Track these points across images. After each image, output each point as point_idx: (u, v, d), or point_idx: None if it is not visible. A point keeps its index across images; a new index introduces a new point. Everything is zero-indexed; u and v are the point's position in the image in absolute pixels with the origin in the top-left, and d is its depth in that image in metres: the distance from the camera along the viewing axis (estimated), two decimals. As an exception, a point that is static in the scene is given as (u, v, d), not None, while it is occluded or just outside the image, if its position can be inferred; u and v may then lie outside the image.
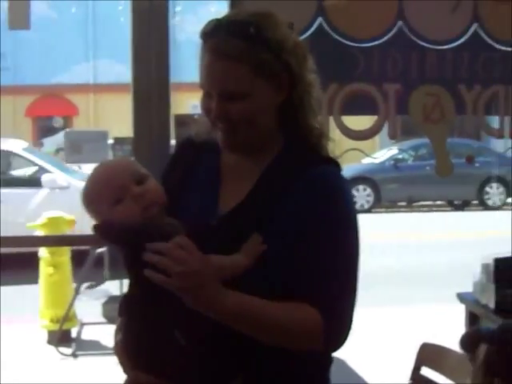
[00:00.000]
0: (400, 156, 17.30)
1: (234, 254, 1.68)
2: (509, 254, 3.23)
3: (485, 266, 3.17)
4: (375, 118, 3.26)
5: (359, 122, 3.46)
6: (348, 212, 1.80)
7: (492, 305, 3.10)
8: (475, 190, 17.58)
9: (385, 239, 12.26)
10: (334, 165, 1.83)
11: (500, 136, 3.41)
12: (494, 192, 17.90)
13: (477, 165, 17.11)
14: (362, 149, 3.33)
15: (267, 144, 1.83)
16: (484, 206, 17.67)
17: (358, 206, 16.51)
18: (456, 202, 18.03)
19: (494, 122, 3.48)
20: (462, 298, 3.40)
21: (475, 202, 17.89)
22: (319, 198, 1.75)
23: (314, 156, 1.81)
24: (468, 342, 2.57)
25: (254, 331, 1.67)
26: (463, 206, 17.96)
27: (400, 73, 3.30)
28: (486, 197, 17.86)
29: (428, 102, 3.28)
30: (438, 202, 17.83)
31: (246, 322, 1.66)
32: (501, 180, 17.78)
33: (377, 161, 16.08)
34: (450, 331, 4.36)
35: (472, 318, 3.35)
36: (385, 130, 3.26)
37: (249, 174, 1.81)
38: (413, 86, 3.29)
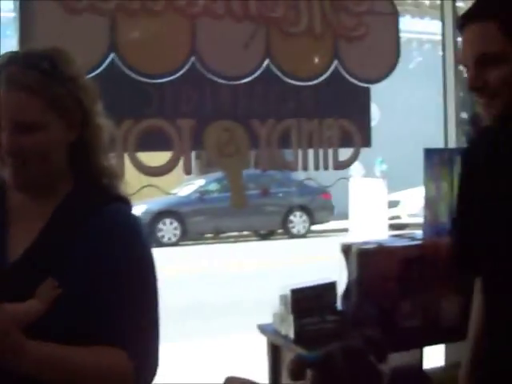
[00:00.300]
0: (205, 188, 17.45)
1: (28, 300, 1.60)
2: (306, 284, 3.29)
3: (283, 297, 3.20)
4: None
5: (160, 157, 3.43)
6: (141, 249, 1.79)
7: (292, 335, 3.14)
8: (280, 219, 18.02)
9: (193, 272, 12.30)
10: (125, 203, 1.82)
11: (294, 169, 3.49)
12: (298, 220, 18.42)
13: (280, 195, 17.66)
14: (166, 182, 3.31)
15: (57, 183, 1.78)
16: (289, 235, 18.13)
17: (165, 240, 16.53)
18: (262, 232, 18.39)
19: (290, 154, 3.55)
20: (262, 329, 3.42)
21: (280, 230, 18.34)
22: (111, 237, 1.73)
23: (105, 195, 1.79)
24: (295, 369, 2.60)
25: (61, 379, 1.60)
26: (269, 235, 18.35)
27: (194, 108, 3.30)
28: (291, 225, 18.33)
29: (222, 136, 3.30)
30: (245, 233, 18.10)
31: (52, 371, 1.59)
32: (303, 209, 18.34)
33: (182, 194, 16.15)
34: (254, 363, 4.40)
35: (273, 349, 3.37)
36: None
37: (38, 215, 1.76)
38: (207, 122, 3.30)
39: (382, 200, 8.51)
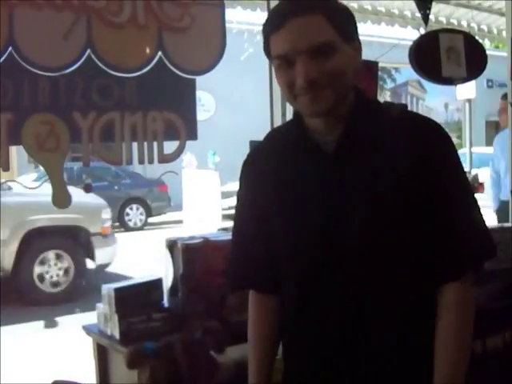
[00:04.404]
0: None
1: None
2: (130, 282, 3.23)
3: (106, 296, 3.12)
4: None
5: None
6: None
7: (117, 335, 3.06)
8: (116, 212, 17.80)
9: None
10: None
11: (118, 162, 3.39)
12: (134, 213, 18.27)
13: (116, 187, 17.47)
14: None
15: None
16: (125, 228, 17.95)
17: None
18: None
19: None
20: (88, 329, 3.32)
21: (117, 224, 18.14)
22: None
23: None
24: (132, 358, 2.59)
25: None
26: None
27: (11, 101, 3.13)
28: (127, 218, 18.16)
29: (42, 130, 3.15)
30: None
31: None
32: (140, 201, 18.22)
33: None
34: (81, 364, 4.29)
35: (100, 350, 3.28)
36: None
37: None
38: (25, 115, 3.15)
39: (216, 191, 8.53)
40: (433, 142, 1.94)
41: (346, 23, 1.93)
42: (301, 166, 2.01)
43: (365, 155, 1.93)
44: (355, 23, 2.00)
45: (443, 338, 1.91)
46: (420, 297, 1.95)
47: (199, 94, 3.76)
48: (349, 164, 1.94)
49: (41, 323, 8.31)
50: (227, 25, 3.74)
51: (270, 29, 1.92)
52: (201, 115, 3.84)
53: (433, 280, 1.94)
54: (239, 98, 18.98)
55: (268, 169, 2.09)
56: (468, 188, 2.04)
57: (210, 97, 18.72)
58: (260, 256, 2.13)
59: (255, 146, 2.23)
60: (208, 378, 2.66)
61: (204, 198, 8.54)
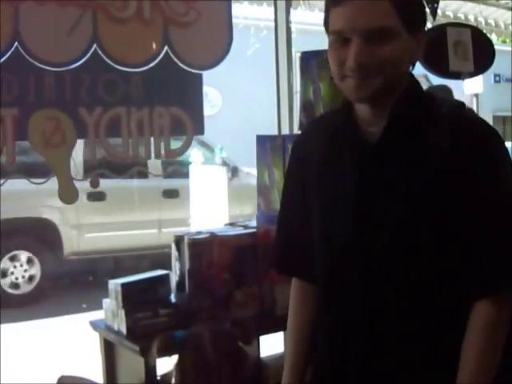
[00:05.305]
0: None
1: None
2: (137, 277, 3.22)
3: (113, 291, 3.11)
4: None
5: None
6: None
7: (124, 331, 3.06)
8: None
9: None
10: None
11: (124, 158, 3.37)
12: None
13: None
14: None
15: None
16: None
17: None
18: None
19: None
20: (94, 325, 3.32)
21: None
22: None
23: None
24: (163, 347, 2.61)
25: None
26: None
27: (17, 97, 3.12)
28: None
29: (48, 126, 3.14)
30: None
31: None
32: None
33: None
34: (88, 360, 4.29)
35: (107, 346, 3.28)
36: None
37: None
38: (31, 111, 3.14)
39: (223, 187, 8.52)
40: (479, 151, 1.83)
41: (413, 13, 1.84)
42: (341, 155, 1.94)
43: (406, 151, 1.85)
44: (425, 15, 1.92)
45: (469, 355, 1.80)
46: (450, 304, 1.85)
47: (205, 89, 3.74)
48: (388, 158, 1.87)
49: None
50: (233, 20, 3.72)
51: (331, 1, 1.84)
52: (207, 111, 3.82)
53: (467, 292, 1.83)
54: (246, 94, 18.91)
55: (312, 154, 2.03)
56: (510, 202, 1.88)
57: (217, 92, 18.68)
58: (305, 243, 2.06)
59: (305, 129, 2.19)
60: (236, 369, 2.67)
61: (211, 193, 8.53)
